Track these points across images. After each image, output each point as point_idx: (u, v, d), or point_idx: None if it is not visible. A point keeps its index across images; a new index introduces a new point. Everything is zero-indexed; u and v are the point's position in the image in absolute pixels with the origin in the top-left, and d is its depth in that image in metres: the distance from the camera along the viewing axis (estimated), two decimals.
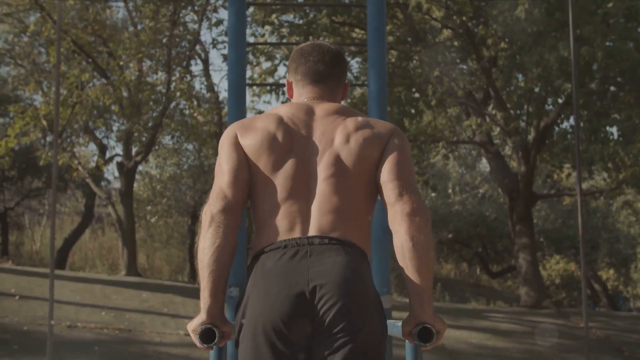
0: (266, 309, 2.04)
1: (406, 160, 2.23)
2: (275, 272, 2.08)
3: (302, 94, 2.39)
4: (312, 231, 2.13)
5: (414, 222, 2.10)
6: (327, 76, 2.38)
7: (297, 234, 2.13)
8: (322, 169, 2.19)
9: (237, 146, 2.24)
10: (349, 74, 16.37)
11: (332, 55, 2.39)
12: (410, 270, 2.09)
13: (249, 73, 14.98)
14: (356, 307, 2.03)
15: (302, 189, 2.17)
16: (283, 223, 2.15)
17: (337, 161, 2.20)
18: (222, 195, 2.18)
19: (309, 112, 2.30)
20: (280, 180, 2.18)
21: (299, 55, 2.41)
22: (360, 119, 2.29)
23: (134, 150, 15.87)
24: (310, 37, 13.88)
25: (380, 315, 2.11)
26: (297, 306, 2.03)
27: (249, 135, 2.25)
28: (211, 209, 2.16)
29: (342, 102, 2.50)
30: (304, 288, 2.04)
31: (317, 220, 2.14)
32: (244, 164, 2.22)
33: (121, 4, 20.93)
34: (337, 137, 2.23)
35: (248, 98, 19.76)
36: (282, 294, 2.04)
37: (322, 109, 2.31)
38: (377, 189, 2.24)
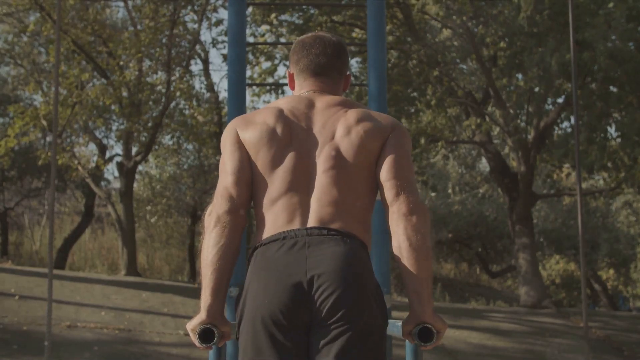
0: (265, 300, 2.04)
1: (406, 158, 2.23)
2: (274, 263, 2.08)
3: (303, 86, 2.39)
4: (312, 222, 2.13)
5: (410, 222, 2.10)
6: (329, 68, 2.38)
7: (296, 225, 2.13)
8: (322, 161, 2.19)
9: (239, 143, 2.25)
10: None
11: (333, 47, 2.39)
12: (408, 270, 2.09)
13: (248, 73, 14.98)
14: (354, 296, 2.03)
15: (301, 182, 2.18)
16: (282, 215, 2.15)
17: (338, 153, 2.20)
18: (228, 195, 2.18)
19: (310, 105, 2.30)
20: (280, 173, 2.19)
21: (300, 47, 2.41)
22: (361, 111, 2.29)
23: (133, 150, 15.86)
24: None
25: (380, 305, 2.11)
26: (295, 296, 2.03)
27: (248, 129, 2.25)
28: (217, 209, 2.16)
29: (344, 94, 2.51)
30: (301, 278, 2.04)
31: (317, 211, 2.14)
32: (246, 162, 2.23)
33: (121, 4, 20.94)
34: (338, 130, 2.23)
35: (248, 98, 19.76)
36: (280, 284, 2.04)
37: (323, 101, 2.31)
38: (377, 184, 2.24)
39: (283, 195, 2.16)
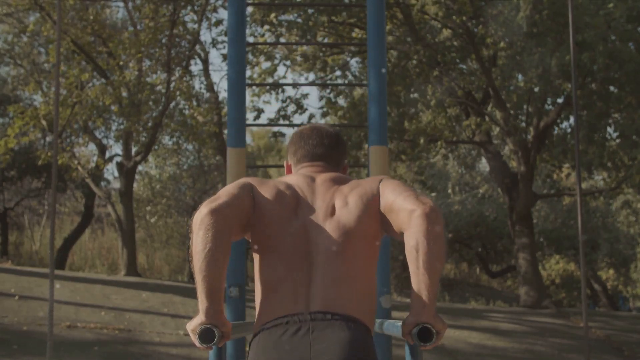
0: None
1: (404, 185, 2.26)
2: (277, 350, 2.07)
3: (300, 171, 2.45)
4: (315, 305, 2.13)
5: (432, 223, 2.09)
6: (326, 157, 2.44)
7: (299, 307, 2.12)
8: (325, 238, 2.20)
9: (249, 188, 2.26)
10: (349, 75, 16.43)
11: (330, 139, 2.46)
12: (421, 271, 2.07)
13: (248, 73, 14.98)
14: None
15: (304, 260, 2.17)
16: (285, 295, 2.15)
17: (339, 228, 2.21)
18: (214, 199, 2.15)
19: (311, 181, 2.34)
20: (284, 249, 2.19)
21: (298, 139, 2.47)
22: (352, 181, 2.34)
23: (133, 150, 15.86)
24: (309, 37, 13.88)
25: None
26: None
27: (262, 188, 2.27)
28: (199, 211, 2.12)
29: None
30: None
31: (320, 293, 2.14)
32: (249, 197, 2.23)
33: (121, 4, 20.91)
34: (336, 203, 2.26)
35: (248, 98, 19.78)
36: None
37: (321, 177, 2.35)
38: (384, 228, 2.25)
39: (286, 272, 2.16)
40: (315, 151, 2.43)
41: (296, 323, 2.09)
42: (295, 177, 2.37)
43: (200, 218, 2.11)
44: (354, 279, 2.18)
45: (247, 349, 2.17)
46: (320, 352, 2.04)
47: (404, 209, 2.16)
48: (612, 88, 13.59)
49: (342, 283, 2.15)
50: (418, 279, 2.08)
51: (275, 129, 16.20)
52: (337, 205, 2.25)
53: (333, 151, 2.45)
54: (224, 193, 2.20)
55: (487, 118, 15.14)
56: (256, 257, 2.25)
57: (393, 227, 2.21)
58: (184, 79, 14.64)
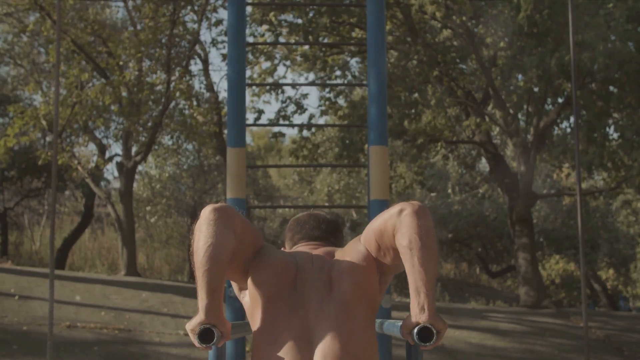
0: None
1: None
2: None
3: (299, 248, 2.47)
4: None
5: (420, 221, 2.11)
6: (322, 240, 2.47)
7: None
8: (324, 311, 2.19)
9: (258, 237, 2.29)
10: (348, 75, 16.42)
11: (327, 224, 2.50)
12: (417, 269, 2.08)
13: (248, 73, 14.98)
14: None
15: (304, 331, 2.17)
16: None
17: (337, 295, 2.21)
18: (217, 202, 2.21)
19: (309, 255, 2.34)
20: (283, 317, 2.19)
21: (295, 224, 2.52)
22: (339, 250, 2.35)
23: (133, 150, 15.86)
24: (310, 37, 13.88)
25: None
26: None
27: (265, 248, 2.29)
28: (204, 210, 2.14)
29: None
30: None
31: None
32: (256, 239, 2.26)
33: (121, 4, 20.92)
34: (333, 272, 2.26)
35: (247, 98, 19.78)
36: None
37: (318, 250, 2.38)
38: (392, 267, 2.27)
39: (285, 344, 2.15)
40: (312, 234, 2.47)
41: None
42: (296, 249, 2.42)
43: (205, 215, 2.12)
44: (355, 351, 2.16)
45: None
46: None
47: (392, 215, 2.17)
48: (612, 88, 13.59)
49: (343, 355, 2.13)
50: (415, 278, 2.08)
51: (275, 129, 16.19)
52: (333, 274, 2.25)
53: (330, 235, 2.49)
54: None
55: (487, 118, 15.14)
56: (255, 321, 2.22)
57: (389, 248, 2.21)
58: (184, 78, 14.63)
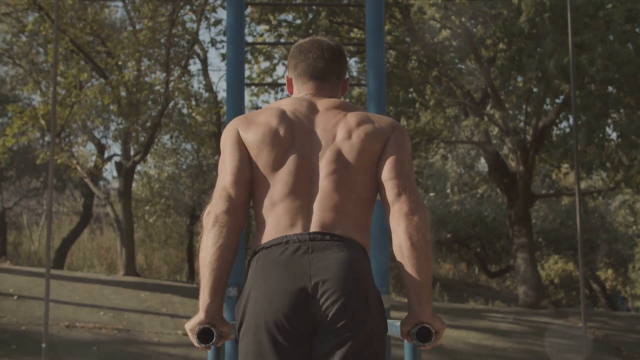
0: (268, 304, 2.04)
1: (406, 158, 2.24)
2: (277, 268, 2.07)
3: (302, 90, 2.39)
4: (314, 227, 2.13)
5: (412, 222, 2.11)
6: (327, 72, 2.39)
7: (298, 229, 2.12)
8: (324, 164, 2.19)
9: (240, 142, 2.24)
10: (348, 74, 16.43)
11: (331, 51, 2.40)
12: (409, 270, 2.09)
13: (247, 73, 14.98)
14: (358, 304, 2.04)
15: (303, 185, 2.17)
16: (284, 219, 2.14)
17: (339, 157, 2.20)
18: (226, 195, 2.17)
19: (311, 107, 2.30)
20: (282, 175, 2.18)
21: (298, 52, 2.41)
22: (361, 114, 2.30)
23: (132, 150, 15.85)
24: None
25: (381, 313, 2.12)
26: (299, 301, 2.03)
27: (250, 129, 2.25)
28: (215, 209, 2.15)
29: (342, 98, 2.51)
30: (306, 283, 2.04)
31: (319, 216, 2.14)
32: (246, 161, 2.22)
33: (120, 4, 20.92)
34: (338, 133, 2.24)
35: (247, 98, 19.77)
36: (283, 289, 2.04)
37: (323, 104, 2.31)
38: (378, 185, 2.24)
39: (285, 198, 2.16)
40: (315, 65, 2.38)
41: (295, 243, 2.10)
42: (293, 102, 2.32)
43: (216, 215, 2.13)
44: (352, 208, 2.18)
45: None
46: (319, 270, 2.05)
47: (387, 202, 2.18)
48: (610, 89, 13.59)
49: (340, 209, 2.15)
50: (410, 279, 2.10)
51: None
52: (338, 136, 2.23)
53: (334, 65, 2.40)
54: (231, 181, 2.20)
55: (485, 118, 15.14)
56: (254, 188, 2.23)
57: (382, 193, 2.23)
58: (183, 78, 14.63)
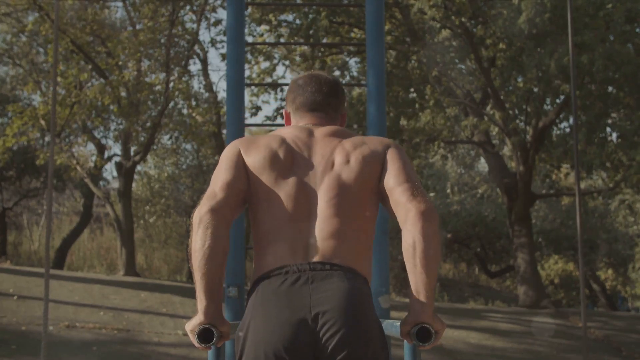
0: (268, 335, 2.04)
1: (409, 166, 2.25)
2: (277, 298, 2.07)
3: (300, 122, 2.42)
4: (314, 256, 2.13)
5: (428, 223, 2.10)
6: (325, 105, 2.41)
7: (298, 258, 2.12)
8: (324, 191, 2.20)
9: (239, 162, 2.25)
10: (348, 74, 16.42)
11: (329, 86, 2.43)
12: (418, 269, 2.08)
13: (247, 72, 14.97)
14: (359, 335, 2.04)
15: (303, 211, 2.17)
16: (284, 247, 2.14)
17: (339, 182, 2.21)
18: (212, 195, 2.17)
19: (310, 134, 2.32)
20: (282, 200, 2.18)
21: (296, 87, 2.44)
22: (356, 138, 2.32)
23: (132, 150, 15.85)
24: (310, 39, 13.89)
25: (382, 343, 2.12)
26: (299, 332, 2.02)
27: (252, 151, 2.25)
28: (199, 210, 2.14)
29: None
30: (306, 314, 2.04)
31: (319, 244, 2.14)
32: (242, 176, 2.22)
33: (120, 4, 20.92)
34: (336, 158, 2.25)
35: (247, 98, 19.78)
36: (284, 319, 2.04)
37: (320, 132, 2.33)
38: (381, 199, 2.25)
39: (285, 224, 2.16)
40: (313, 98, 2.40)
41: (295, 273, 2.09)
42: (292, 130, 2.34)
43: (200, 216, 2.12)
44: (352, 234, 2.17)
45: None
46: (319, 301, 2.05)
47: (401, 204, 2.16)
48: (610, 89, 13.60)
49: (341, 237, 2.15)
50: (416, 279, 2.09)
51: (274, 128, 16.18)
52: (337, 161, 2.24)
53: (332, 98, 2.42)
54: (221, 185, 2.19)
55: (485, 118, 15.15)
56: (253, 212, 2.23)
57: (388, 206, 2.22)
58: (183, 78, 14.63)
